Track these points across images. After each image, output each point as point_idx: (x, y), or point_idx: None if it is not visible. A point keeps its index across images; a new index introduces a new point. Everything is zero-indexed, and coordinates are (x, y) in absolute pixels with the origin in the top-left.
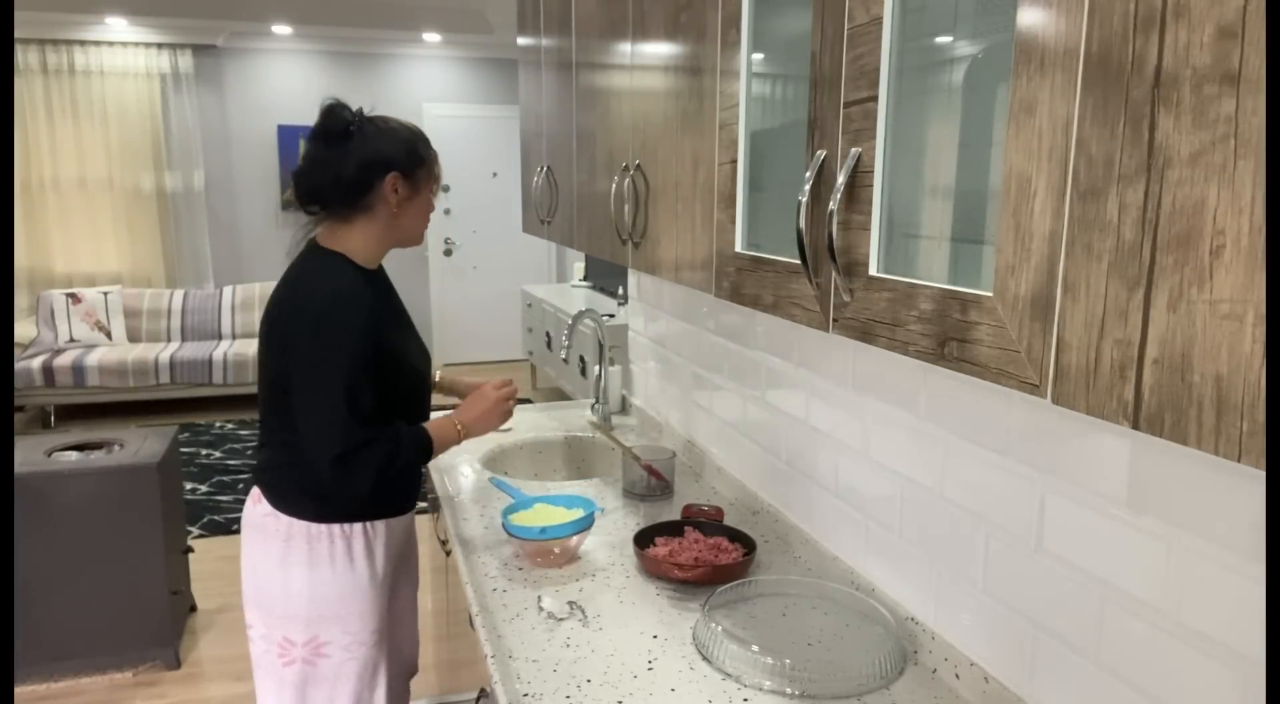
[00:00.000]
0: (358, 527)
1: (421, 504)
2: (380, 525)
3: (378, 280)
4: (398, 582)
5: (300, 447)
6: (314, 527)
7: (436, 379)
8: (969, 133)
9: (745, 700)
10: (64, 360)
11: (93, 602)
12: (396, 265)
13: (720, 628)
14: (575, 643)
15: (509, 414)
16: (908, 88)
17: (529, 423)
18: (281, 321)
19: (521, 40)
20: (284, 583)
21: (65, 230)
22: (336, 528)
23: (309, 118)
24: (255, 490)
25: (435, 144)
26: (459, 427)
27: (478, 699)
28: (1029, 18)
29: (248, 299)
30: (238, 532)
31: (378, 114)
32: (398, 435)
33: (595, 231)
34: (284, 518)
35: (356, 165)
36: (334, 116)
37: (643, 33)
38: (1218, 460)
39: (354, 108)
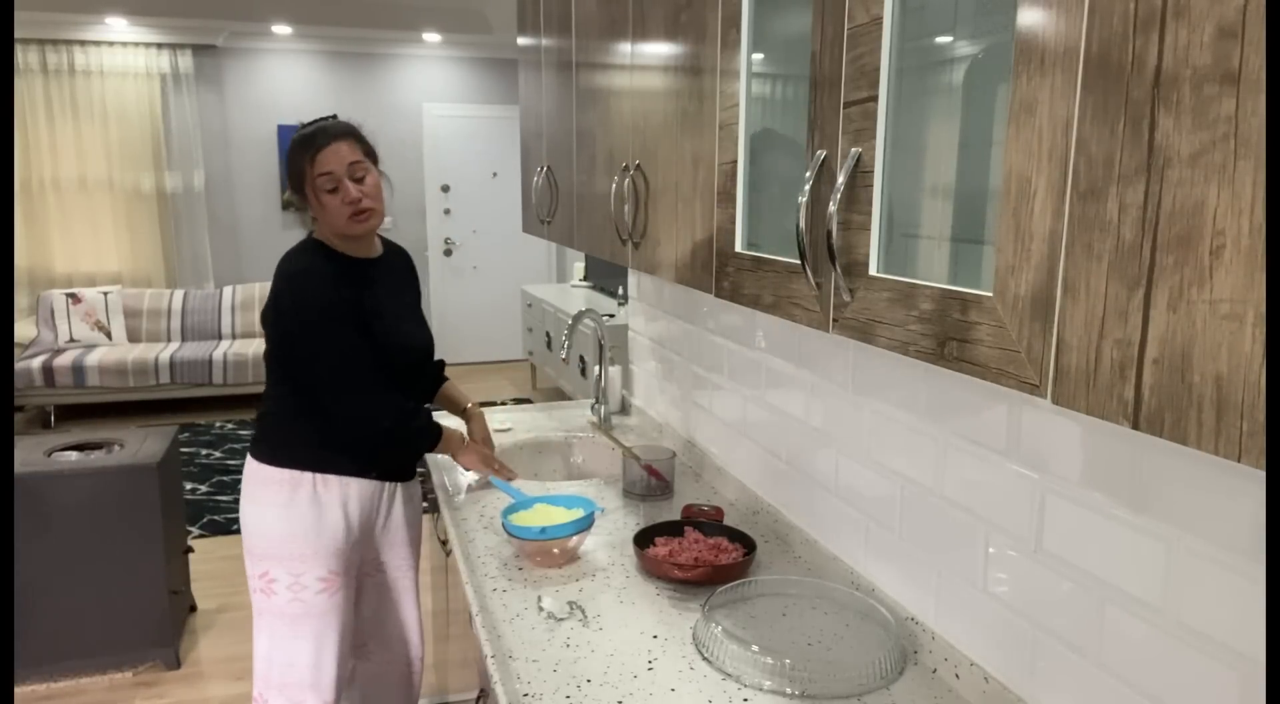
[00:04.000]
0: (307, 475)
1: (423, 504)
2: (334, 480)
3: (363, 265)
4: (366, 550)
5: (280, 396)
6: (268, 469)
7: (469, 407)
8: (969, 133)
9: (745, 700)
10: (64, 360)
11: (93, 602)
12: None
13: (720, 628)
14: (575, 643)
15: (484, 463)
16: (908, 88)
17: (529, 423)
18: (273, 291)
19: (521, 40)
20: (250, 520)
21: (65, 230)
22: (287, 473)
23: (309, 117)
24: None
25: (435, 144)
26: (463, 440)
27: (478, 699)
28: (1029, 18)
29: (248, 299)
30: (237, 532)
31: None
32: (420, 410)
33: (595, 231)
34: (253, 462)
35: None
36: None
37: (643, 33)
38: (1218, 460)
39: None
